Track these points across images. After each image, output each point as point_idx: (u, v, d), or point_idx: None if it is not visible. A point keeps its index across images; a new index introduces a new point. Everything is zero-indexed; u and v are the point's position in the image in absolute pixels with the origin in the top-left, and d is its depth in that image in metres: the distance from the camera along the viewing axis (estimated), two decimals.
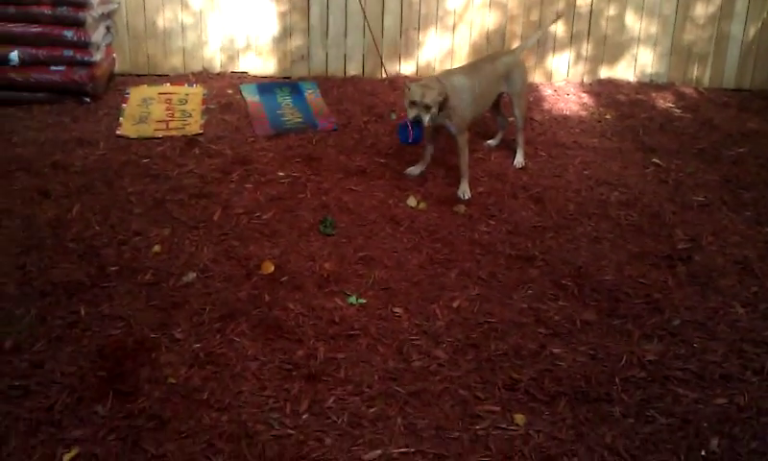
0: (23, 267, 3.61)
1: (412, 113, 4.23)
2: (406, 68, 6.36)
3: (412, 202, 4.36)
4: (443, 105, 4.30)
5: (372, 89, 6.04)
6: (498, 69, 4.74)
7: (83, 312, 3.30)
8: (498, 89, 4.78)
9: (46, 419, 2.74)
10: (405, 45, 6.31)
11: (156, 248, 3.79)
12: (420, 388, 2.95)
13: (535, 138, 5.25)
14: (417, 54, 6.34)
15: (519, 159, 4.90)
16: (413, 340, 3.24)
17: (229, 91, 5.83)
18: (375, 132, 5.27)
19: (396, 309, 3.44)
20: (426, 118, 4.23)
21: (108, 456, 2.59)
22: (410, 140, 4.35)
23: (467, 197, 4.44)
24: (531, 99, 5.96)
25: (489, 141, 5.12)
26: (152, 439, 2.66)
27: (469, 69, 4.72)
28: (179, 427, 2.72)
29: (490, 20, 6.31)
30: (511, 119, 5.02)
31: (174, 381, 2.94)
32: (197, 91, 5.73)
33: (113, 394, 2.86)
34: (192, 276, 3.60)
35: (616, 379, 3.04)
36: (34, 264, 3.63)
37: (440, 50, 6.36)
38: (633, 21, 6.37)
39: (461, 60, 6.31)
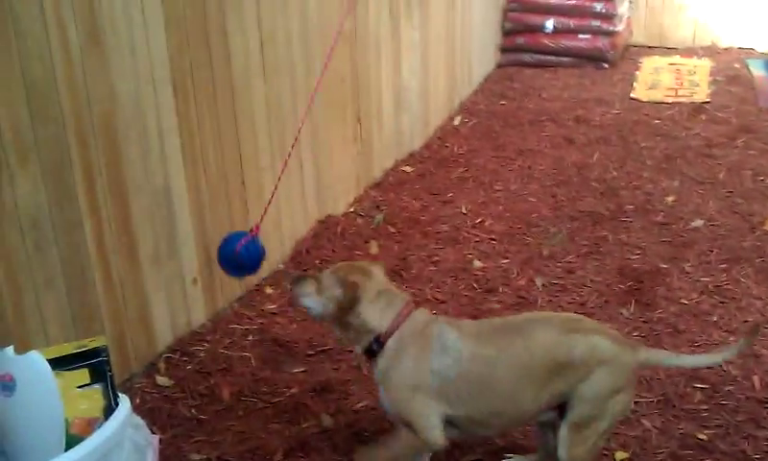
0: (554, 196, 4.40)
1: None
2: None
3: None
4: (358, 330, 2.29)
5: None
6: (552, 356, 2.23)
7: (607, 237, 3.97)
8: (549, 391, 2.23)
9: (582, 310, 3.40)
10: None
11: (670, 198, 4.29)
12: None
13: None
14: None
15: None
16: None
17: (736, 65, 6.12)
18: None
19: None
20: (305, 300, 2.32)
21: None
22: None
23: None
24: None
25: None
26: (669, 342, 3.18)
27: (493, 329, 2.34)
28: (692, 338, 3.20)
29: None
30: None
31: (686, 303, 3.42)
32: (704, 64, 6.10)
33: (635, 302, 3.45)
34: (699, 222, 4.04)
35: None
36: (563, 195, 4.40)
37: None
38: None
39: None
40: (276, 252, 3.74)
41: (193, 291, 3.23)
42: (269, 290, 3.56)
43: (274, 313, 3.42)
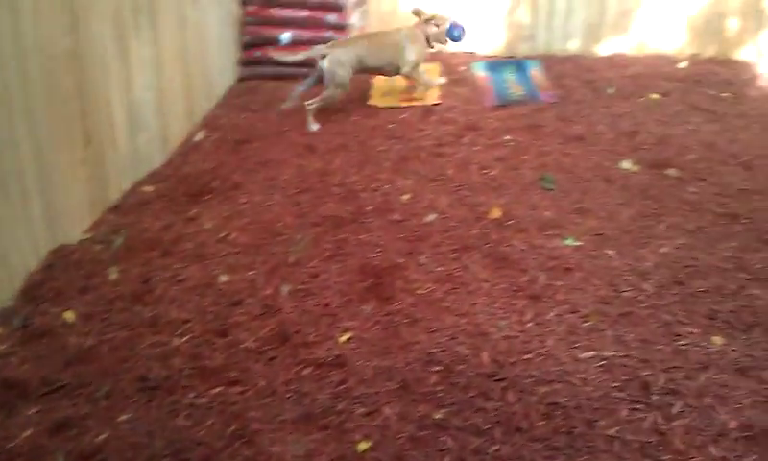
0: (298, 204, 4.47)
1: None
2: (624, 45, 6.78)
3: (626, 164, 4.80)
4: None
5: (589, 66, 6.53)
6: None
7: (348, 239, 4.10)
8: None
9: (326, 312, 3.52)
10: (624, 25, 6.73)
11: (405, 197, 4.51)
12: (629, 311, 3.44)
13: (747, 112, 5.50)
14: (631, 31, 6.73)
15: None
16: (623, 275, 3.72)
17: (462, 68, 6.57)
18: (593, 103, 5.75)
19: (608, 251, 3.92)
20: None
21: (374, 339, 3.32)
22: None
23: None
24: None
25: None
26: (407, 331, 3.36)
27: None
28: (428, 325, 3.40)
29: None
30: None
31: (422, 293, 3.63)
32: (435, 68, 6.48)
33: (375, 298, 3.60)
34: (432, 217, 4.30)
35: None
36: (306, 202, 4.49)
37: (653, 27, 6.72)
38: None
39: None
40: (5, 288, 3.50)
41: None
42: None
43: (4, 355, 3.19)
